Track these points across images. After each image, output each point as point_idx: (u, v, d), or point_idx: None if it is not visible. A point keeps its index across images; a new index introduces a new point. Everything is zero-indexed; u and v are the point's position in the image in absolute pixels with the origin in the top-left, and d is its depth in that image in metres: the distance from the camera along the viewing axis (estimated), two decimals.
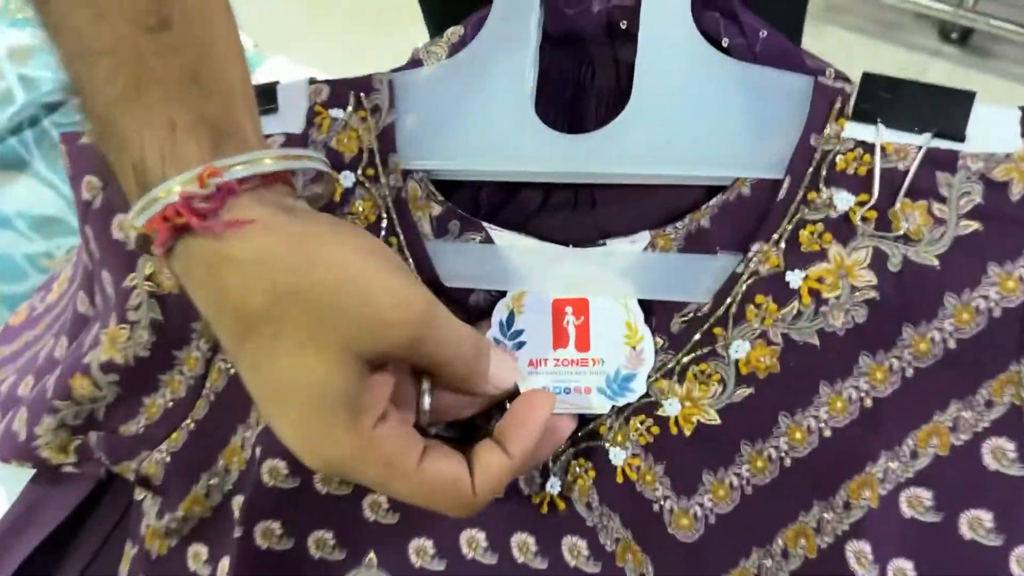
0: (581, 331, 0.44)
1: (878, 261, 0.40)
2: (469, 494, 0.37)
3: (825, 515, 0.41)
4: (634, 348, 0.44)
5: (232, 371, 0.51)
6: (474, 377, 0.39)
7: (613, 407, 0.44)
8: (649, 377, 0.43)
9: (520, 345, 0.45)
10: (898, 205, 0.40)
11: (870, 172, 0.41)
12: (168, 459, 0.52)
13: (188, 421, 0.51)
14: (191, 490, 0.51)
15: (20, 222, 0.74)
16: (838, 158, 0.41)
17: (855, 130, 0.41)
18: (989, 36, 1.98)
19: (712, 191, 0.44)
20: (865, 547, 0.40)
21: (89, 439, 0.53)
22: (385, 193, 0.47)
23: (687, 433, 0.43)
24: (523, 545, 0.46)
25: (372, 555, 0.48)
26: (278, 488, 0.48)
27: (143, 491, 0.53)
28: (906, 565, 0.40)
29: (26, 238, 0.74)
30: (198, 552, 0.51)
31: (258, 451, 0.48)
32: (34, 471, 0.57)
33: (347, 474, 0.35)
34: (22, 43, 0.76)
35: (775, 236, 0.42)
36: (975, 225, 0.39)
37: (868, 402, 0.41)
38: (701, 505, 0.43)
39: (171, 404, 0.52)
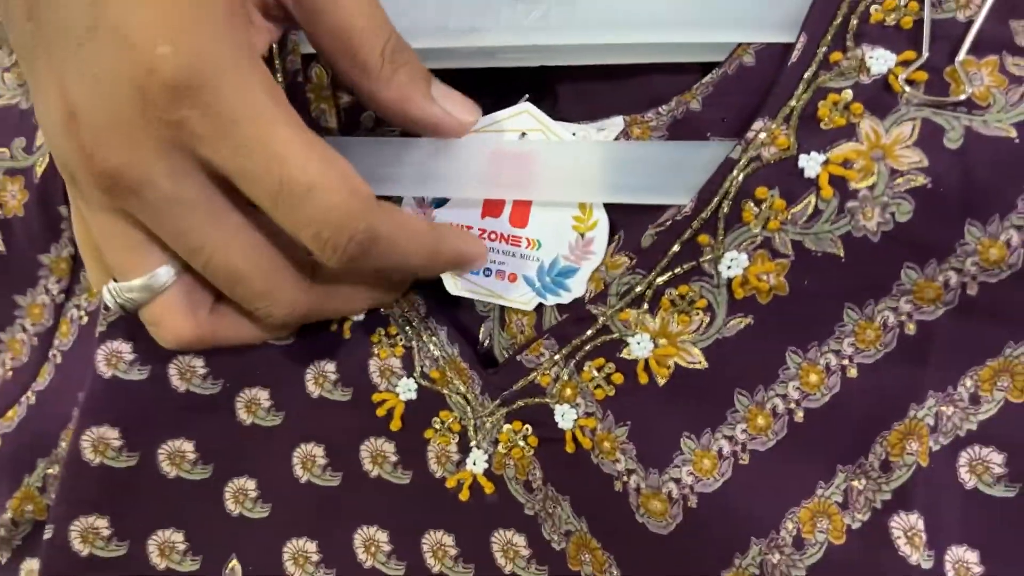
0: (521, 202, 0.34)
1: (930, 136, 0.29)
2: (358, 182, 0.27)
3: (855, 483, 0.29)
4: (582, 236, 0.33)
5: (84, 320, 0.39)
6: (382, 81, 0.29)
7: (540, 305, 0.33)
8: (610, 291, 0.32)
9: (440, 203, 0.35)
10: (959, 62, 0.29)
11: (918, 24, 0.30)
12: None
13: (28, 393, 0.40)
14: (23, 482, 0.39)
15: None
16: (872, 8, 0.30)
17: None
18: None
19: (708, 73, 0.33)
20: (916, 521, 0.28)
21: None
22: (278, 79, 0.36)
23: (660, 382, 0.31)
24: (438, 548, 0.35)
25: (234, 562, 0.37)
26: (106, 468, 0.36)
27: None
28: (970, 557, 0.28)
29: None
30: (32, 569, 0.40)
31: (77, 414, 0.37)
32: None
33: (213, 85, 0.24)
34: None
35: (784, 110, 0.30)
36: None
37: (910, 327, 0.30)
38: (678, 481, 0.31)
39: (10, 373, 0.40)
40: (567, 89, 0.36)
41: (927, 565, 0.29)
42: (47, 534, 0.36)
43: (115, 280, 0.29)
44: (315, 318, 0.31)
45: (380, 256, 0.28)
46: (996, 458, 0.29)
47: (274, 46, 0.36)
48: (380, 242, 0.27)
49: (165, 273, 0.29)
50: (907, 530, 0.29)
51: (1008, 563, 0.29)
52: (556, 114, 0.34)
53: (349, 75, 0.29)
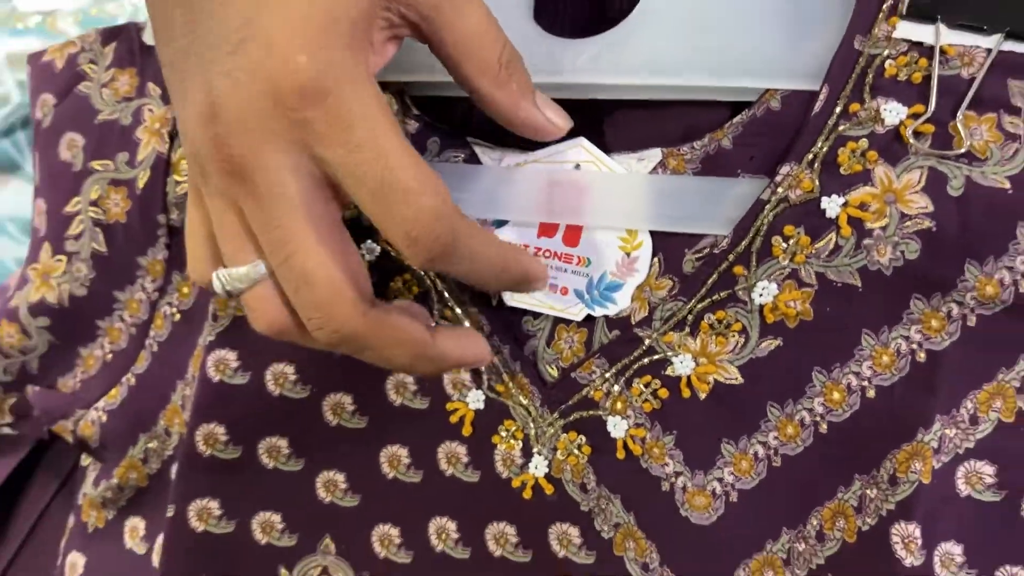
0: (574, 225, 0.38)
1: (935, 184, 0.33)
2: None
3: (868, 491, 0.34)
4: (628, 255, 0.37)
5: (177, 318, 0.44)
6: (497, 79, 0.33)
7: (590, 326, 0.38)
8: (656, 313, 0.37)
9: (501, 224, 0.39)
10: (960, 118, 0.33)
11: (926, 79, 0.34)
12: (104, 418, 0.46)
13: (128, 375, 0.45)
14: (127, 453, 0.45)
15: (12, 226, 0.72)
16: (887, 63, 0.34)
17: (909, 30, 0.34)
18: None
19: (739, 110, 0.37)
20: (914, 530, 0.33)
21: (27, 394, 0.47)
22: None
23: (702, 396, 0.36)
24: (501, 537, 0.40)
25: (328, 540, 0.42)
26: (215, 459, 0.42)
27: (88, 456, 0.48)
28: (955, 549, 0.33)
29: (17, 242, 0.72)
30: (135, 526, 0.46)
31: (188, 413, 0.42)
32: None
33: (337, 93, 0.28)
34: (21, 50, 0.74)
35: (808, 156, 0.35)
36: None
37: (921, 355, 0.34)
38: (720, 480, 0.36)
39: (110, 356, 0.46)
40: (610, 121, 0.40)
41: (918, 563, 0.33)
42: (169, 512, 0.42)
43: (224, 267, 0.32)
44: (358, 351, 0.32)
45: (458, 260, 0.31)
46: (988, 470, 0.33)
47: None
48: (460, 247, 0.31)
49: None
50: (904, 537, 0.33)
51: (987, 554, 0.33)
52: (599, 144, 0.39)
53: (470, 78, 0.33)
